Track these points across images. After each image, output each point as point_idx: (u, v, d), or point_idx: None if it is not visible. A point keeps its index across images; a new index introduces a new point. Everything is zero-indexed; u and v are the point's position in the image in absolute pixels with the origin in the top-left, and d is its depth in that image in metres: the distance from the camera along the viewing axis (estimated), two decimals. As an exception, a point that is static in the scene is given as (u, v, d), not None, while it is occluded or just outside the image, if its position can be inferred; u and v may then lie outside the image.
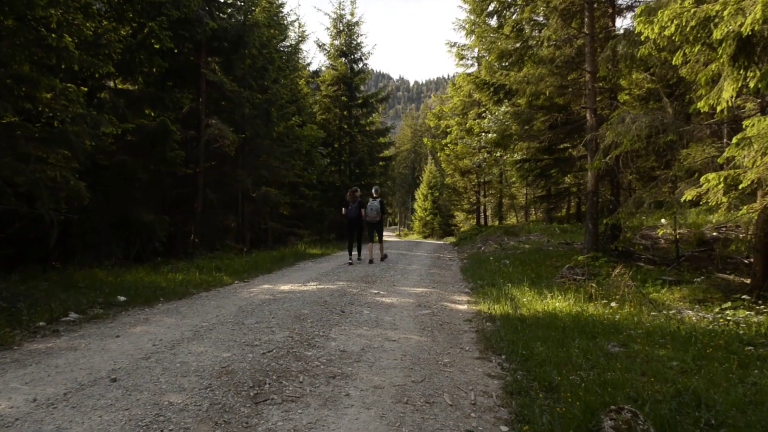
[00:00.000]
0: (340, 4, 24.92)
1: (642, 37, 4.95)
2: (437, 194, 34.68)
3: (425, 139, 28.14)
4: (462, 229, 26.96)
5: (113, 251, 8.59)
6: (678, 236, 7.76)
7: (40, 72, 5.42)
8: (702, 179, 4.72)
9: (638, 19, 4.91)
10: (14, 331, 4.02)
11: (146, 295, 5.67)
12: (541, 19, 9.47)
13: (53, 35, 5.23)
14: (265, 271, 8.62)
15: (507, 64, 10.72)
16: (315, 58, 65.36)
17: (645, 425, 2.32)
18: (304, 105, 18.06)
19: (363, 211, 9.63)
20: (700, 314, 4.94)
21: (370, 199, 9.95)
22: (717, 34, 4.16)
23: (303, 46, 39.45)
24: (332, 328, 4.35)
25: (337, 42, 22.22)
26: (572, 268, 7.56)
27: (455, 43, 20.09)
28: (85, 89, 7.47)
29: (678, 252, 7.59)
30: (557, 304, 5.32)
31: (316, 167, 18.20)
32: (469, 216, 26.78)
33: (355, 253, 10.13)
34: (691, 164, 5.83)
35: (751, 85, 4.19)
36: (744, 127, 4.33)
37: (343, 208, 9.80)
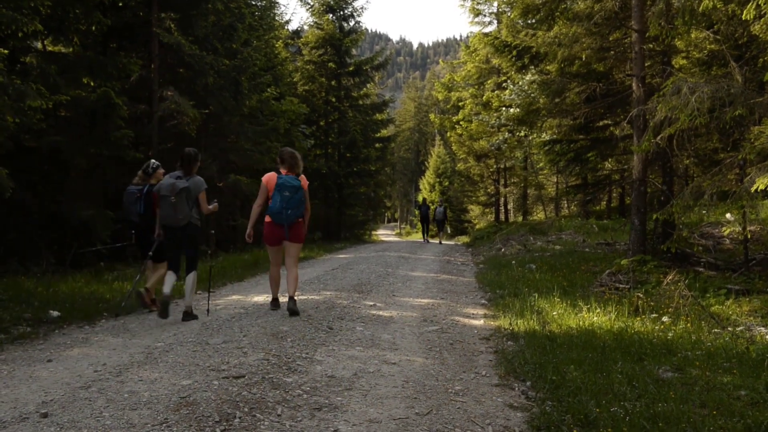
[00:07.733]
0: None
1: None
2: (447, 183, 34.68)
3: (432, 116, 28.19)
4: (477, 227, 27.03)
5: (43, 255, 8.54)
6: (748, 235, 7.76)
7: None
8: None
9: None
10: None
11: (86, 310, 5.64)
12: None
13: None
14: (234, 279, 8.61)
15: (534, 21, 10.67)
16: (295, 14, 65.02)
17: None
18: (283, 73, 18.02)
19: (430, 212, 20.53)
20: (772, 331, 4.95)
21: (437, 206, 20.44)
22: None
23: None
24: (317, 348, 4.34)
25: (322, -7, 22.13)
26: (614, 274, 7.56)
27: (470, -5, 20.01)
28: (6, 51, 7.38)
29: (747, 255, 7.60)
30: (595, 318, 5.33)
31: (298, 150, 18.15)
32: (486, 210, 26.84)
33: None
34: (765, 145, 5.81)
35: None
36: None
37: (419, 209, 20.64)
